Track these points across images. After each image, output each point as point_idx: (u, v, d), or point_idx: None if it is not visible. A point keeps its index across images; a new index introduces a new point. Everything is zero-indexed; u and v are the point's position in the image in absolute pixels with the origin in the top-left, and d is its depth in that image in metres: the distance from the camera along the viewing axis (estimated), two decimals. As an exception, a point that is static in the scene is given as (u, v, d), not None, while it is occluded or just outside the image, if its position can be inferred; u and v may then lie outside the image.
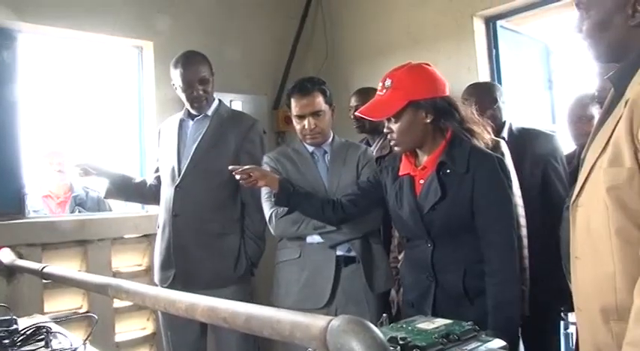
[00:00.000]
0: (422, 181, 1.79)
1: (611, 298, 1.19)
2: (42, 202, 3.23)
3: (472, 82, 2.67)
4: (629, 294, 1.12)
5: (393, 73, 1.79)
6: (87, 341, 1.14)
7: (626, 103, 1.19)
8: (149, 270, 2.95)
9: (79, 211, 3.21)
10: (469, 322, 1.35)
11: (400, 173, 1.87)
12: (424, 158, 1.82)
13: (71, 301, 2.84)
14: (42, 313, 2.67)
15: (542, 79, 3.41)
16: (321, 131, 2.30)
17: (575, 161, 2.39)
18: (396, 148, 1.85)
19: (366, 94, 2.87)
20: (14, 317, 1.23)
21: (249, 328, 0.91)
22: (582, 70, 3.49)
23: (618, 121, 1.19)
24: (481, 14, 2.98)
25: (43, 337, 1.15)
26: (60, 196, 3.28)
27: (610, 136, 1.21)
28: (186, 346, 2.55)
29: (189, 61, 2.49)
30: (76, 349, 1.07)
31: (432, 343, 1.21)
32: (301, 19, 3.78)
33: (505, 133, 2.44)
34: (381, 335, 0.72)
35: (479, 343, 1.28)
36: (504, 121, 2.50)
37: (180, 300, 1.11)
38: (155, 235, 2.66)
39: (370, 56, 3.53)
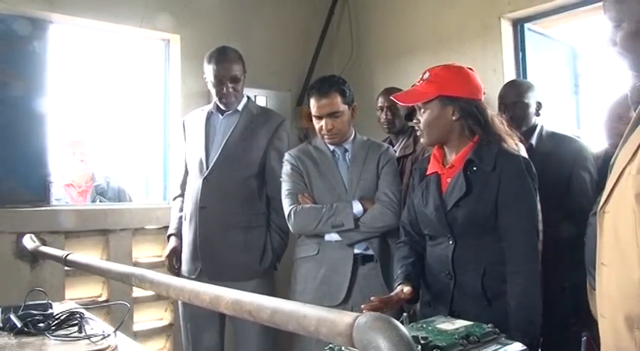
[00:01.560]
0: (449, 180, 1.81)
1: (636, 305, 1.18)
2: (64, 190, 3.29)
3: (509, 81, 2.68)
4: None
5: (433, 68, 1.84)
6: (117, 329, 1.16)
7: None
8: (168, 261, 2.98)
9: (100, 201, 3.26)
10: (489, 325, 1.35)
11: (428, 172, 1.88)
12: (452, 157, 1.83)
13: (91, 289, 2.89)
14: (63, 299, 2.73)
15: (568, 83, 3.37)
16: (339, 132, 2.31)
17: (599, 162, 2.36)
18: (421, 140, 1.89)
19: (392, 93, 2.86)
20: (49, 302, 1.26)
21: (274, 322, 0.92)
22: (610, 75, 3.45)
23: None
24: (508, 16, 2.95)
25: (76, 322, 1.17)
26: (82, 185, 3.33)
27: (639, 144, 1.20)
28: (206, 339, 2.58)
29: (223, 58, 2.52)
30: (108, 335, 1.09)
31: (453, 343, 1.21)
32: (327, 16, 3.78)
33: (534, 138, 2.42)
34: (407, 333, 0.73)
35: (498, 346, 1.28)
36: (536, 125, 2.47)
37: (205, 292, 1.12)
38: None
39: (395, 56, 3.52)
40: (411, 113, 2.63)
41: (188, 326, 2.61)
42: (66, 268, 2.63)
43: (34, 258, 2.63)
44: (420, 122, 1.83)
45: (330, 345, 1.21)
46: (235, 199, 2.52)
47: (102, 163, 3.47)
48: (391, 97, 1.94)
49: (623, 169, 1.25)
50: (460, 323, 1.38)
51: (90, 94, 3.46)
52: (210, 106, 2.66)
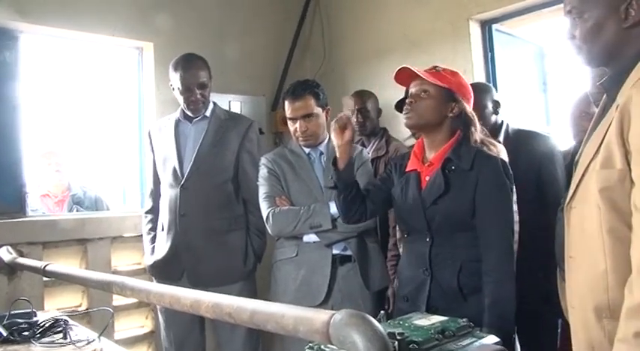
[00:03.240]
0: (427, 178, 1.85)
1: (603, 296, 1.22)
2: (40, 201, 3.26)
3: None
4: (621, 292, 1.16)
5: (442, 67, 1.90)
6: (101, 335, 1.18)
7: (617, 108, 1.23)
8: (148, 269, 2.98)
9: (77, 210, 3.25)
10: (464, 319, 1.39)
11: (407, 169, 1.92)
12: (431, 155, 1.88)
13: (71, 299, 2.88)
14: (42, 310, 2.71)
15: (536, 81, 3.46)
16: (313, 134, 2.35)
17: (569, 158, 2.42)
18: (406, 119, 1.87)
19: (363, 96, 2.91)
20: (34, 310, 1.28)
21: (254, 323, 0.95)
22: (576, 73, 3.55)
23: (610, 125, 1.24)
24: (477, 18, 3.03)
25: (61, 329, 1.20)
26: (58, 195, 3.31)
27: (602, 140, 1.25)
28: (189, 344, 2.59)
29: (189, 65, 2.53)
30: (93, 340, 1.11)
31: (429, 338, 1.25)
32: (299, 21, 3.83)
33: (501, 136, 2.47)
34: (381, 328, 0.76)
35: (473, 339, 1.32)
36: (501, 122, 2.52)
37: (185, 296, 1.15)
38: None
39: (367, 58, 3.57)
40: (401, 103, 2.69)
41: (170, 334, 2.62)
42: (45, 278, 2.61)
43: (12, 270, 2.60)
44: (415, 102, 1.84)
45: (310, 343, 1.24)
46: (214, 204, 2.54)
47: (78, 172, 3.44)
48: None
49: (588, 164, 1.30)
50: (436, 319, 1.42)
51: (64, 104, 3.44)
52: (176, 114, 2.66)
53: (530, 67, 3.41)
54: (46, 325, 1.20)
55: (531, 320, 2.21)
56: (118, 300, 2.93)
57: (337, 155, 1.94)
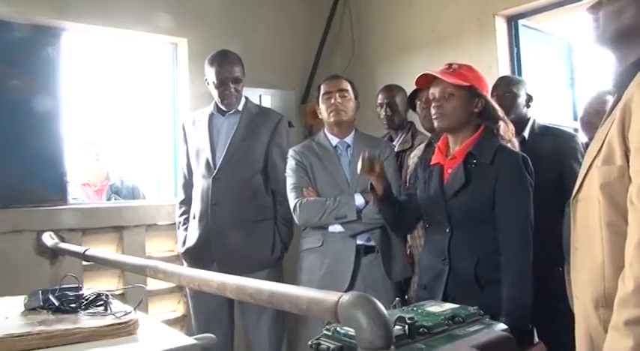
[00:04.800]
0: (450, 171, 1.92)
1: (600, 286, 1.28)
2: (80, 189, 3.42)
3: (500, 76, 2.73)
4: (616, 283, 1.21)
5: (456, 63, 1.95)
6: (137, 308, 1.32)
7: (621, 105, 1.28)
8: (180, 255, 3.11)
9: (115, 199, 3.39)
10: (474, 307, 1.46)
11: (431, 163, 2.00)
12: (455, 149, 1.94)
13: (108, 283, 3.03)
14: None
15: (564, 76, 3.45)
16: (346, 109, 2.46)
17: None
18: (437, 123, 1.94)
19: (392, 90, 2.97)
20: (80, 286, 1.43)
21: (272, 303, 1.05)
22: (604, 68, 3.52)
23: (613, 123, 1.29)
24: (502, 13, 3.05)
25: (102, 302, 1.35)
26: (97, 184, 3.46)
27: (605, 137, 1.31)
28: (217, 329, 2.70)
29: (225, 60, 2.64)
30: (129, 312, 1.25)
31: (438, 323, 1.33)
32: (329, 15, 3.89)
33: (527, 131, 2.49)
34: (383, 309, 0.85)
35: (482, 326, 1.39)
36: (528, 118, 2.53)
37: (212, 279, 1.25)
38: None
39: (395, 53, 3.62)
40: (413, 101, 2.76)
41: (200, 318, 2.75)
42: (84, 263, 2.77)
43: (54, 254, 2.77)
44: (442, 106, 1.90)
45: (327, 326, 1.33)
46: (244, 195, 2.65)
47: (116, 162, 3.60)
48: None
49: (592, 161, 1.36)
50: (448, 306, 1.49)
51: (103, 97, 3.59)
52: (210, 108, 2.77)
53: (557, 62, 3.41)
54: (90, 298, 1.34)
55: (548, 314, 2.25)
56: (151, 285, 3.06)
57: (374, 186, 2.07)
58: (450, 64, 1.94)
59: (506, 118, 2.00)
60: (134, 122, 3.70)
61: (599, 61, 3.51)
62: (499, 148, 1.87)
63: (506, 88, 2.54)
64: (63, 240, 2.69)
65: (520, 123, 2.48)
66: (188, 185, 2.80)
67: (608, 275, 1.28)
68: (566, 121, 3.26)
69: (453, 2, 3.26)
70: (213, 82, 2.65)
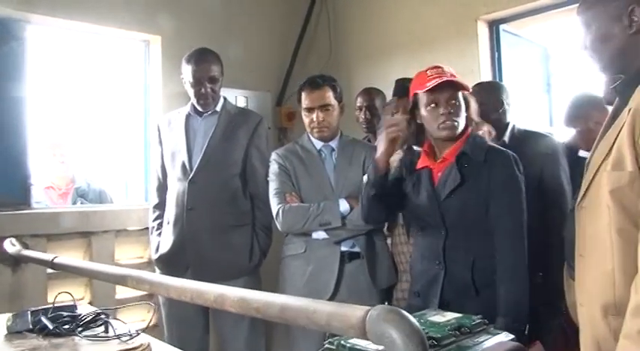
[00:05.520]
0: (440, 174, 1.88)
1: (610, 294, 1.27)
2: (44, 193, 3.24)
3: (478, 82, 2.70)
4: (627, 290, 1.20)
5: (445, 67, 1.90)
6: (141, 330, 1.19)
7: (629, 111, 1.26)
8: (150, 262, 2.98)
9: (81, 203, 3.23)
10: (478, 316, 1.41)
11: (418, 167, 1.94)
12: (443, 152, 1.90)
13: (74, 292, 2.85)
14: (45, 303, 2.71)
15: (541, 82, 3.48)
16: (329, 125, 2.37)
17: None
18: (452, 130, 1.86)
19: (371, 94, 2.92)
20: (75, 304, 1.29)
21: (283, 318, 0.95)
22: (579, 75, 3.58)
23: (621, 128, 1.27)
24: (484, 18, 3.05)
25: (101, 322, 1.21)
26: (62, 187, 3.28)
27: (614, 142, 1.29)
28: (192, 340, 2.59)
29: (202, 58, 2.54)
30: (138, 334, 1.12)
31: (446, 335, 1.27)
32: (305, 17, 3.83)
33: (507, 135, 2.48)
34: (418, 324, 0.77)
35: (488, 336, 1.34)
36: (507, 123, 2.53)
37: (209, 291, 1.15)
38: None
39: (373, 56, 3.58)
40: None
41: (173, 329, 2.62)
42: (48, 271, 2.61)
43: (16, 262, 2.60)
44: (453, 111, 1.84)
45: (330, 340, 1.25)
46: (221, 199, 2.55)
47: (82, 164, 3.43)
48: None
49: (599, 166, 1.33)
50: (450, 315, 1.44)
51: (70, 96, 3.42)
52: (187, 108, 2.66)
53: (534, 67, 3.44)
54: (88, 318, 1.20)
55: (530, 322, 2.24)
56: (121, 293, 2.93)
57: (379, 157, 1.92)
58: (441, 67, 1.89)
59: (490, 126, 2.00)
60: (102, 123, 3.53)
61: (573, 68, 3.57)
62: (490, 148, 1.88)
63: (490, 94, 2.51)
64: (26, 247, 2.52)
65: (500, 128, 2.47)
66: (162, 189, 2.68)
67: (618, 283, 1.26)
68: (543, 126, 3.27)
69: (433, 6, 3.24)
70: (190, 81, 2.55)
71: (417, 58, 3.18)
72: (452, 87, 1.84)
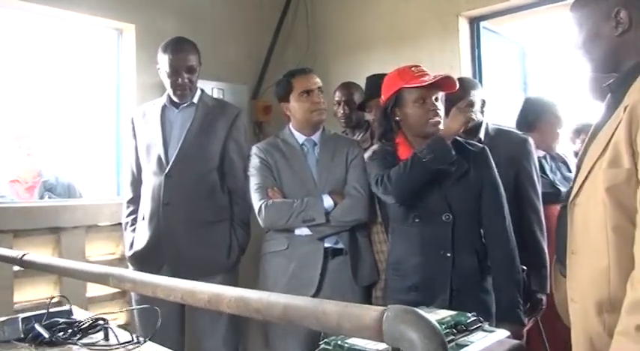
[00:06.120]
0: None
1: (604, 290, 1.26)
2: (9, 187, 3.10)
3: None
4: (622, 287, 1.20)
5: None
6: (152, 338, 1.11)
7: (625, 109, 1.26)
8: (122, 259, 2.88)
9: (49, 197, 3.09)
10: (472, 313, 1.39)
11: (403, 157, 1.93)
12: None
13: (42, 291, 2.75)
14: (12, 303, 2.59)
15: (518, 80, 3.50)
16: (326, 109, 2.38)
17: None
18: (438, 127, 1.92)
19: (350, 88, 2.88)
20: (71, 308, 1.19)
21: (287, 319, 0.90)
22: (555, 74, 3.63)
23: (618, 126, 1.27)
24: (466, 14, 3.04)
25: (100, 329, 1.11)
26: (28, 180, 3.14)
27: (609, 140, 1.28)
28: (168, 338, 2.51)
29: (179, 47, 2.46)
30: (144, 341, 1.05)
31: (445, 333, 1.24)
32: (283, 9, 3.76)
33: (482, 133, 2.43)
34: (437, 325, 0.74)
35: (485, 334, 1.32)
36: (481, 122, 2.46)
37: (202, 290, 1.08)
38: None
39: (352, 50, 3.54)
40: (363, 103, 2.67)
41: (147, 326, 2.53)
42: (15, 268, 2.50)
43: (-21, 259, 2.47)
44: (439, 109, 1.92)
45: (326, 340, 1.20)
46: (198, 193, 2.47)
47: (50, 157, 3.29)
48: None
49: (594, 163, 1.33)
50: (444, 313, 1.41)
51: (37, 85, 3.27)
52: (163, 100, 2.57)
53: (512, 65, 3.46)
54: (86, 324, 1.10)
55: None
56: (91, 291, 2.83)
57: (452, 133, 1.93)
58: (420, 66, 1.96)
59: None
60: (72, 114, 3.38)
61: (550, 67, 3.62)
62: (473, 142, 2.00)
63: (462, 95, 2.35)
64: (-9, 243, 2.41)
65: (474, 127, 2.44)
66: (136, 183, 2.59)
67: (613, 279, 1.26)
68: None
69: (414, 1, 3.21)
70: (166, 71, 2.46)
71: (397, 53, 3.16)
72: (438, 86, 1.89)
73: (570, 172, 2.75)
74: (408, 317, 0.74)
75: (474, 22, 3.08)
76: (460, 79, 2.57)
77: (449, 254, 1.83)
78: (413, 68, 1.93)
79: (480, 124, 2.46)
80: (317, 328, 0.86)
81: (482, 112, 2.49)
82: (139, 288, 1.31)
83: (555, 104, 2.78)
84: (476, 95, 2.45)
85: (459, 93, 2.40)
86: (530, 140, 2.48)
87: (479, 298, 1.83)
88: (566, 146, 3.08)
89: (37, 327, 1.10)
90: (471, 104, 2.13)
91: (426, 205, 1.90)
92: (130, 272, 1.37)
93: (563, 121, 2.79)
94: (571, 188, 1.46)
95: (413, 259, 1.92)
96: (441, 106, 1.91)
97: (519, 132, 2.61)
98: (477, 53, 3.07)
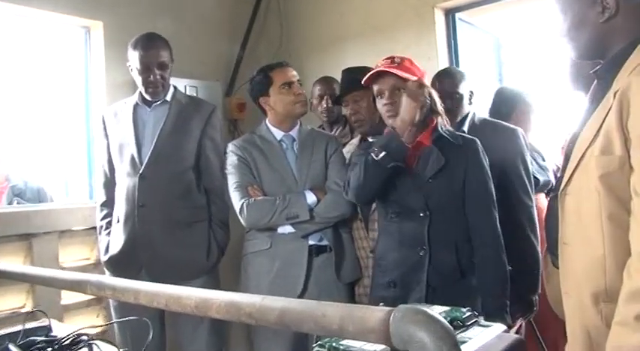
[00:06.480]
0: (416, 157, 1.86)
1: (601, 281, 1.23)
2: (-26, 193, 2.99)
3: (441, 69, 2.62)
4: (619, 276, 1.17)
5: (398, 56, 1.90)
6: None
7: (615, 94, 1.24)
8: (98, 264, 2.78)
9: (18, 203, 2.99)
10: (467, 308, 1.36)
11: None
12: (412, 138, 1.86)
13: (13, 300, 2.63)
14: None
15: (493, 71, 3.50)
16: (307, 101, 2.35)
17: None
18: (391, 121, 1.87)
19: (331, 82, 2.83)
20: (50, 325, 1.09)
21: (284, 324, 0.85)
22: (529, 65, 3.64)
23: (608, 112, 1.24)
24: (442, 6, 3.02)
25: (83, 346, 1.02)
26: (-5, 186, 3.04)
27: (600, 126, 1.26)
28: (149, 344, 2.43)
29: (150, 43, 2.38)
30: None
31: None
32: (255, 3, 3.68)
33: (466, 125, 2.38)
34: (449, 325, 0.70)
35: (481, 329, 1.29)
36: (467, 113, 2.43)
37: (189, 296, 1.03)
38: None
39: (327, 44, 3.49)
40: (339, 97, 2.61)
41: (126, 333, 2.45)
42: (-16, 278, 2.38)
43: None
44: (394, 103, 1.84)
45: (320, 342, 1.15)
46: (174, 194, 2.40)
47: (17, 162, 3.17)
48: (382, 69, 1.86)
49: (584, 151, 1.30)
50: (438, 309, 1.38)
51: (2, 85, 3.13)
52: (134, 98, 2.49)
53: (487, 57, 3.45)
54: (66, 341, 1.01)
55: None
56: (66, 299, 2.72)
57: (406, 125, 1.82)
58: (392, 58, 1.89)
59: (443, 111, 1.97)
60: (40, 116, 3.26)
61: (524, 58, 3.63)
62: (461, 134, 1.92)
63: (451, 89, 2.39)
64: (-43, 252, 2.29)
65: (454, 116, 2.38)
66: (110, 185, 2.50)
67: (610, 269, 1.23)
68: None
69: (388, -8, 3.18)
70: (137, 68, 2.38)
71: (373, 45, 3.12)
72: (392, 77, 1.84)
73: (544, 160, 2.72)
74: (417, 318, 0.70)
75: (450, 14, 3.06)
76: (447, 70, 2.56)
77: (423, 251, 1.79)
78: (384, 60, 1.92)
79: (465, 115, 2.41)
80: (317, 333, 0.82)
81: (470, 103, 2.45)
82: (119, 295, 1.25)
83: (527, 93, 2.76)
84: (463, 87, 2.42)
85: (447, 88, 2.35)
86: (520, 131, 2.40)
87: (458, 296, 1.74)
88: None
89: (12, 347, 0.97)
90: (421, 85, 1.91)
91: (402, 201, 1.86)
92: (108, 278, 1.30)
93: (536, 109, 2.76)
94: (560, 178, 1.44)
95: (392, 254, 1.89)
96: (394, 98, 1.85)
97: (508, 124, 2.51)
98: (453, 45, 3.05)
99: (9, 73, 3.09)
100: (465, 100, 2.41)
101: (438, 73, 2.53)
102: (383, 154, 1.79)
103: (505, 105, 2.71)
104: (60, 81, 3.13)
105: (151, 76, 2.37)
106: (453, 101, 2.34)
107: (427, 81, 1.97)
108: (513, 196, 2.23)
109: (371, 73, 1.88)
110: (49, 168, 3.31)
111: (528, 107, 2.72)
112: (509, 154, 2.30)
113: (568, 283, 1.37)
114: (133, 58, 2.38)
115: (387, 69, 1.84)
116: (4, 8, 2.72)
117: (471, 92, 2.47)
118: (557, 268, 1.44)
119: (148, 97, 2.44)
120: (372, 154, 1.81)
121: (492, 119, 2.54)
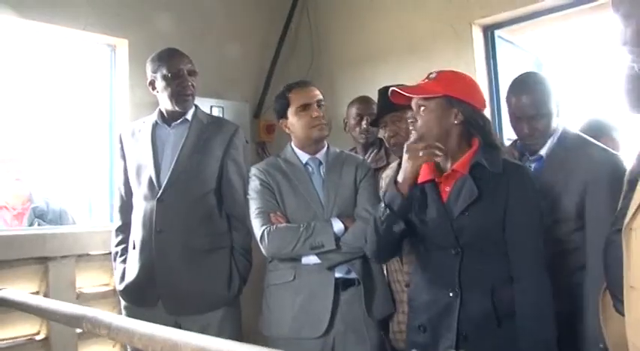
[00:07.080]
0: (448, 188, 1.68)
1: None
2: (-4, 214, 2.93)
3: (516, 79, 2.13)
4: None
5: (441, 70, 1.74)
6: None
7: None
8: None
9: (39, 224, 2.92)
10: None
11: (420, 180, 1.69)
12: (448, 164, 1.69)
13: (27, 327, 2.53)
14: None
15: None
16: (328, 124, 2.17)
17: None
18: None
19: (369, 102, 2.70)
20: None
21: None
22: (570, 83, 3.44)
23: None
24: (479, 22, 2.88)
25: None
26: (17, 207, 2.98)
27: None
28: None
29: (175, 53, 2.33)
30: None
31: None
32: (285, 22, 3.61)
33: (548, 144, 1.96)
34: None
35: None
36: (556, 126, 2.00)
37: (187, 342, 0.88)
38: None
39: (359, 63, 3.39)
40: (376, 120, 2.45)
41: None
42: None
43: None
44: (416, 121, 1.68)
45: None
46: (194, 219, 2.27)
47: (40, 182, 3.12)
48: (394, 88, 1.72)
49: None
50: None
51: (26, 105, 3.11)
52: (153, 117, 2.38)
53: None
54: None
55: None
56: (82, 326, 2.61)
57: (405, 181, 1.66)
58: (430, 73, 1.73)
59: (493, 131, 1.76)
60: (63, 136, 3.21)
61: (565, 78, 3.44)
62: (505, 160, 1.68)
63: (534, 111, 1.94)
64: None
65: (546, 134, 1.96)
66: (126, 208, 2.39)
67: None
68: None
69: (424, 9, 3.07)
70: (166, 76, 2.26)
71: (408, 63, 3.01)
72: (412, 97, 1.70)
73: None
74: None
75: (488, 31, 2.92)
76: (524, 86, 2.00)
77: (454, 293, 1.60)
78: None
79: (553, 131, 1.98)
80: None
81: (557, 115, 1.99)
82: (114, 335, 1.11)
83: (616, 128, 2.54)
84: (548, 102, 1.96)
85: (529, 111, 1.94)
86: (620, 157, 1.94)
87: (494, 347, 1.56)
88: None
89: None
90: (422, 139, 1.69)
91: (432, 237, 1.68)
92: (105, 314, 1.17)
93: (619, 146, 2.49)
94: (623, 209, 1.26)
95: (421, 295, 1.72)
96: (416, 120, 1.69)
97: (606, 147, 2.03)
98: (492, 64, 2.88)
99: (33, 92, 3.07)
100: (553, 117, 1.98)
101: (513, 86, 2.07)
102: (388, 214, 1.66)
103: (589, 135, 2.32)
104: (85, 99, 3.09)
105: (184, 82, 2.28)
106: (535, 123, 1.94)
107: (473, 96, 1.71)
108: (589, 230, 1.85)
109: (391, 90, 1.73)
110: (72, 188, 3.25)
111: (614, 144, 2.46)
112: (593, 184, 1.85)
113: (636, 334, 1.18)
114: (159, 68, 2.29)
115: (398, 89, 1.70)
116: (32, 26, 2.71)
117: (558, 103, 2.00)
118: (620, 313, 1.26)
119: (178, 108, 2.32)
120: (379, 213, 1.69)
121: (585, 137, 2.04)
